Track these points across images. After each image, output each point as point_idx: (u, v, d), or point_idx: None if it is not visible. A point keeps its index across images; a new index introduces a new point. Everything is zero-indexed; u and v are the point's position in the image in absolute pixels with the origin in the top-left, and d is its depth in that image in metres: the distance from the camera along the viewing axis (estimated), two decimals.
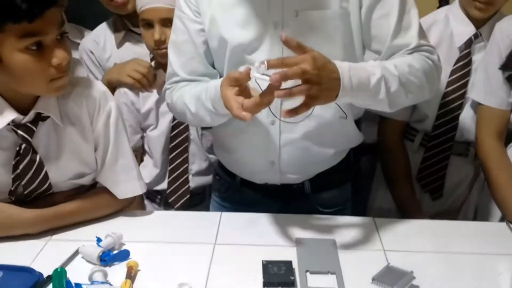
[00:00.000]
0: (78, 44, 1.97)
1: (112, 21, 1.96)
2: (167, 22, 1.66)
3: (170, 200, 1.78)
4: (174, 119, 1.77)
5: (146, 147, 1.87)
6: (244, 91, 1.18)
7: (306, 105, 1.10)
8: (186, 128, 1.77)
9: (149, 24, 1.71)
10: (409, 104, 1.36)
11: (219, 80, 1.29)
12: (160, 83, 1.74)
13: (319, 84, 1.09)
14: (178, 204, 1.80)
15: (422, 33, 1.34)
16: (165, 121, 1.80)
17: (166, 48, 1.62)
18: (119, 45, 1.92)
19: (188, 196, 1.79)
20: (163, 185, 1.81)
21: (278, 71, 1.06)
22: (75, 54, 1.93)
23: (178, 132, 1.77)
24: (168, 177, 1.79)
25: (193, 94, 1.37)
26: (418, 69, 1.27)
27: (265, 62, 1.09)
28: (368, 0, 1.30)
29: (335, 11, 1.30)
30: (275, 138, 1.40)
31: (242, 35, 1.33)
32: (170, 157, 1.78)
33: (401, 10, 1.30)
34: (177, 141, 1.77)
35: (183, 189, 1.78)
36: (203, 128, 1.77)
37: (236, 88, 1.17)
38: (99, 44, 1.94)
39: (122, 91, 1.80)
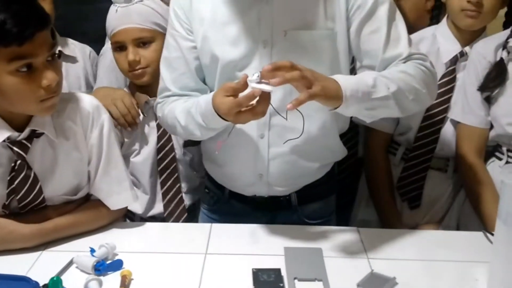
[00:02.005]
0: (74, 58, 1.96)
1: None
2: (139, 42, 1.66)
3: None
4: (158, 141, 1.74)
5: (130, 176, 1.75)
6: None
7: (306, 96, 1.14)
8: (172, 149, 1.74)
9: (121, 47, 1.67)
10: (416, 110, 1.39)
11: (209, 94, 1.33)
12: (142, 104, 1.72)
13: (315, 78, 1.16)
14: None
15: (411, 43, 1.39)
16: (149, 145, 1.75)
17: (142, 68, 1.66)
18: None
19: (186, 215, 1.75)
20: (157, 209, 1.77)
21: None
22: (73, 67, 1.94)
23: (165, 154, 1.74)
24: (163, 200, 1.75)
25: (183, 108, 1.41)
26: (412, 75, 1.32)
27: (259, 73, 1.15)
28: (357, 19, 1.36)
29: (322, 32, 1.36)
30: (263, 152, 1.44)
31: (233, 53, 1.38)
32: (161, 180, 1.75)
33: (389, 24, 1.36)
34: (165, 162, 1.74)
35: (180, 209, 1.76)
36: (185, 146, 1.76)
37: (231, 97, 1.21)
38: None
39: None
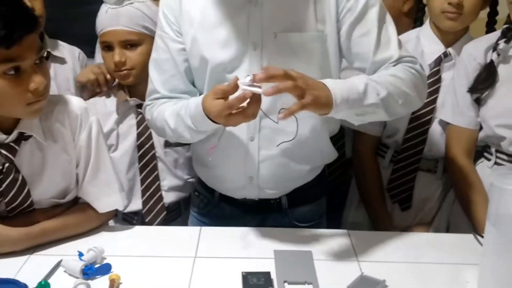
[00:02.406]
0: (63, 59, 1.95)
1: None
2: (126, 44, 1.68)
3: (147, 220, 1.76)
4: (138, 138, 1.76)
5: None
6: None
7: (299, 107, 1.15)
8: (152, 146, 1.76)
9: (108, 47, 1.70)
10: (405, 113, 1.41)
11: (199, 97, 1.33)
12: (120, 102, 1.75)
13: (307, 86, 1.16)
14: (155, 222, 1.78)
15: (401, 45, 1.40)
16: (127, 142, 1.77)
17: (127, 69, 1.68)
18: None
19: (165, 213, 1.77)
20: (136, 205, 1.78)
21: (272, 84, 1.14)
22: (62, 68, 1.93)
23: (145, 152, 1.76)
24: (142, 197, 1.77)
25: (173, 110, 1.40)
26: (402, 78, 1.32)
27: (252, 76, 1.15)
28: (347, 22, 1.36)
29: (312, 34, 1.36)
30: (254, 154, 1.44)
31: (222, 55, 1.37)
32: (141, 177, 1.77)
33: (380, 27, 1.37)
34: (145, 160, 1.75)
35: (159, 206, 1.77)
36: (167, 145, 1.77)
37: (221, 100, 1.21)
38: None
39: None
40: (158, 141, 1.77)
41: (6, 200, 1.32)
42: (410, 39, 1.79)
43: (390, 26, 1.39)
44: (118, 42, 1.67)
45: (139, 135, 1.75)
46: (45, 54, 1.28)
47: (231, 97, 1.20)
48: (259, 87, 1.16)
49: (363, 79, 1.28)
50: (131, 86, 1.76)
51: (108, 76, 1.79)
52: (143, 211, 1.76)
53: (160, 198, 1.77)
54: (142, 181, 1.77)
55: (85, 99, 1.60)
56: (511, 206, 1.10)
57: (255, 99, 1.18)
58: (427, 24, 1.80)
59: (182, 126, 1.38)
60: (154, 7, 1.71)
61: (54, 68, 1.88)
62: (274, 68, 1.15)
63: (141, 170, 1.77)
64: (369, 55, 1.37)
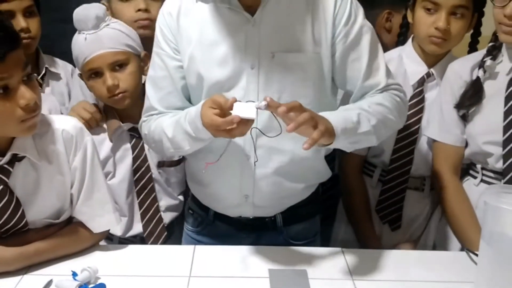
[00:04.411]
0: (58, 75, 1.95)
1: None
2: (115, 66, 1.64)
3: (149, 243, 1.73)
4: (134, 162, 1.73)
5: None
6: (223, 116, 1.24)
7: (319, 134, 1.19)
8: (148, 169, 1.73)
9: (96, 73, 1.65)
10: (388, 135, 1.47)
11: (201, 103, 1.33)
12: (112, 131, 1.72)
13: (316, 116, 1.22)
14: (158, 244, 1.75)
15: (389, 73, 1.45)
16: (124, 166, 1.74)
17: (122, 92, 1.64)
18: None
19: (165, 234, 1.74)
20: (136, 229, 1.75)
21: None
22: (58, 84, 1.93)
23: (141, 174, 1.73)
24: (142, 220, 1.74)
25: (172, 120, 1.40)
26: (388, 107, 1.39)
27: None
28: (342, 46, 1.40)
29: (309, 55, 1.38)
30: (249, 173, 1.44)
31: (219, 73, 1.38)
32: (139, 200, 1.74)
33: (371, 54, 1.42)
34: (142, 183, 1.73)
35: (159, 228, 1.74)
36: (159, 166, 1.75)
37: (216, 110, 1.23)
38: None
39: None
40: (152, 162, 1.74)
41: (1, 222, 1.31)
42: (393, 58, 1.81)
43: (380, 55, 1.45)
44: (107, 65, 1.63)
45: (134, 159, 1.72)
46: (30, 71, 1.26)
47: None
48: (260, 107, 1.19)
49: (355, 110, 1.34)
50: (121, 110, 1.72)
51: (99, 116, 1.74)
52: (144, 234, 1.73)
53: (160, 219, 1.75)
54: (140, 204, 1.74)
55: None
56: (505, 225, 1.11)
57: (245, 122, 1.21)
58: (409, 44, 1.82)
59: (180, 133, 1.37)
60: (128, 26, 1.71)
61: (51, 85, 1.89)
62: (293, 104, 1.19)
63: (138, 193, 1.74)
64: (358, 81, 1.42)
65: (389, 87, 1.43)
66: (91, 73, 1.66)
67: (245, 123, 1.21)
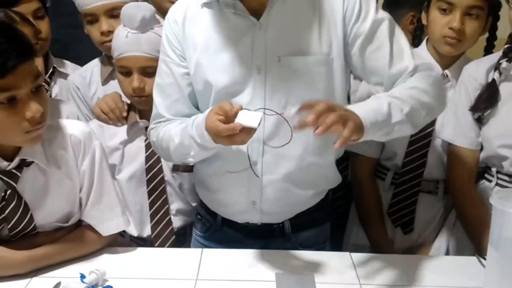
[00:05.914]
0: (67, 75, 1.97)
1: (102, 57, 1.96)
2: (145, 70, 1.65)
3: (156, 245, 1.73)
4: (147, 161, 1.73)
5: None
6: (227, 123, 1.24)
7: (349, 133, 1.14)
8: (161, 170, 1.73)
9: (127, 72, 1.67)
10: (427, 121, 1.38)
11: (208, 109, 1.33)
12: (130, 124, 1.74)
13: (346, 113, 1.17)
14: (165, 247, 1.75)
15: (414, 55, 1.40)
16: (135, 163, 1.74)
17: (145, 95, 1.65)
18: (105, 82, 1.91)
19: (174, 237, 1.74)
20: (146, 231, 1.76)
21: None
22: (65, 84, 1.95)
23: (153, 175, 1.73)
24: (151, 221, 1.74)
25: (180, 126, 1.41)
26: (423, 88, 1.32)
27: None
28: (358, 43, 1.37)
29: (317, 57, 1.37)
30: (257, 179, 1.43)
31: (226, 79, 1.38)
32: (149, 200, 1.74)
33: (391, 39, 1.37)
34: (154, 183, 1.73)
35: (167, 231, 1.74)
36: (174, 169, 1.75)
37: (221, 117, 1.23)
38: (85, 79, 1.93)
39: (92, 124, 1.76)
40: (166, 165, 1.74)
41: (10, 225, 1.33)
42: None
43: (401, 37, 1.39)
44: (137, 68, 1.65)
45: (147, 158, 1.73)
46: (42, 83, 1.27)
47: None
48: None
49: (385, 99, 1.27)
50: (142, 109, 1.73)
51: (124, 113, 1.76)
52: (152, 236, 1.74)
53: (169, 222, 1.74)
54: (151, 205, 1.74)
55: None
56: None
57: (248, 130, 1.21)
58: (423, 46, 1.81)
59: (187, 139, 1.38)
60: None
61: (59, 83, 1.91)
62: (313, 102, 1.15)
63: (150, 194, 1.74)
64: (384, 69, 1.37)
65: (419, 68, 1.36)
66: (121, 70, 1.69)
67: (247, 132, 1.21)
